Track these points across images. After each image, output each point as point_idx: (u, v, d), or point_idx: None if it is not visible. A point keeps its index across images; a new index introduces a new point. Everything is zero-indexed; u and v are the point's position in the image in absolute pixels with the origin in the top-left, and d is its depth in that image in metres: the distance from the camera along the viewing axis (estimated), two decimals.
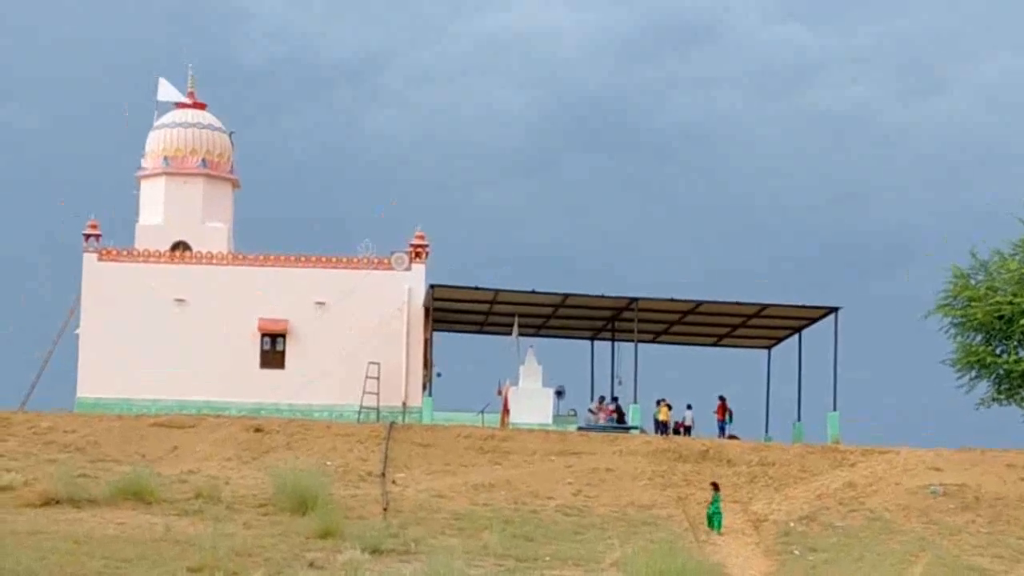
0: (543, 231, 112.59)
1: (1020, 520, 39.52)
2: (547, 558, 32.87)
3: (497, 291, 52.85)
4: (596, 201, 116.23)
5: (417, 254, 54.59)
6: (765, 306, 53.97)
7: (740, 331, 58.03)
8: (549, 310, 55.73)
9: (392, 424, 46.40)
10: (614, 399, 56.21)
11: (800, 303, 54.17)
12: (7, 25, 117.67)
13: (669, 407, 53.27)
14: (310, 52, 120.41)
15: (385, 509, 37.10)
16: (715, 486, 40.38)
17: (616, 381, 58.16)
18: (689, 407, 54.19)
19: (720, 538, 37.78)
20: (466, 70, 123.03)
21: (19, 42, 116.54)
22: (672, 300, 53.89)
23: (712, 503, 39.67)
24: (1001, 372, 51.35)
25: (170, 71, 61.08)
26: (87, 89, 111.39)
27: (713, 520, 38.99)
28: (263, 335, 53.76)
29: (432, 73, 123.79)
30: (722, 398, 54.54)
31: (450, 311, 55.34)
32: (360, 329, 53.62)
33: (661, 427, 51.78)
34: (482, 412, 53.85)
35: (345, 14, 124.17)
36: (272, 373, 53.58)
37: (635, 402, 53.21)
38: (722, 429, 53.44)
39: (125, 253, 54.62)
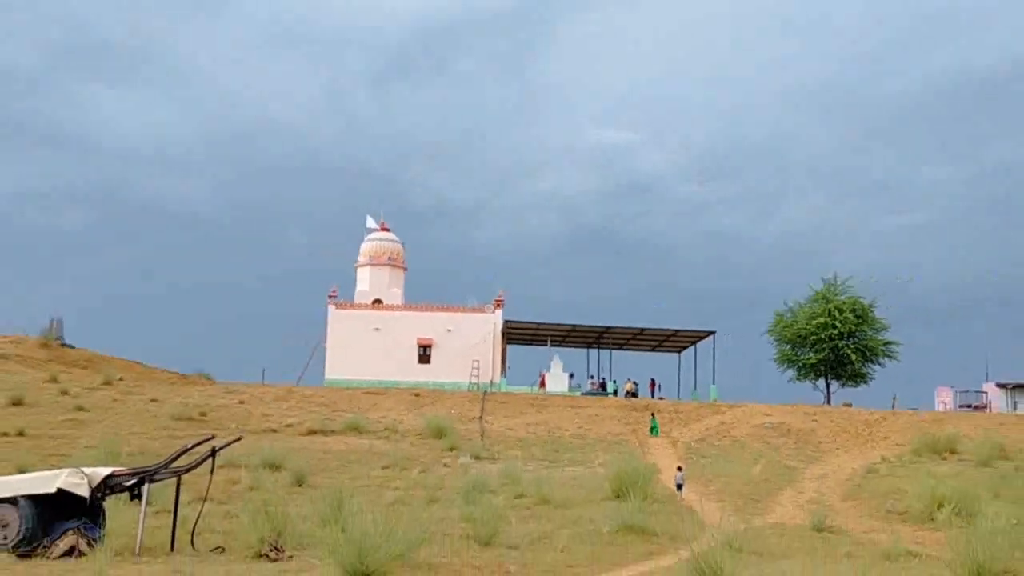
0: (564, 292, 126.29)
1: (811, 441, 41.69)
2: (565, 460, 34.12)
3: (538, 323, 58.37)
4: (589, 276, 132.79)
5: (498, 304, 60.40)
6: (677, 330, 59.48)
7: (664, 343, 62.95)
8: (565, 332, 60.63)
9: (485, 392, 49.47)
10: (602, 379, 59.64)
11: (695, 328, 59.57)
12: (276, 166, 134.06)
13: (634, 383, 56.57)
14: (444, 197, 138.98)
15: (482, 436, 39.12)
16: (652, 414, 44.34)
17: (600, 370, 63.59)
18: (636, 383, 57.06)
19: (656, 444, 39.44)
20: (523, 210, 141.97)
21: (294, 190, 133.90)
22: (629, 327, 59.24)
23: (652, 420, 43.33)
24: (800, 365, 59.72)
25: (375, 211, 68.37)
26: (328, 218, 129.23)
27: (653, 430, 42.15)
28: (419, 346, 59.49)
29: (509, 211, 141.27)
30: (652, 379, 60.05)
31: (515, 333, 60.68)
32: (469, 343, 59.27)
33: (628, 394, 54.01)
34: (532, 385, 58.47)
35: (463, 180, 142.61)
36: (424, 366, 59.25)
37: (612, 380, 59.39)
38: (653, 395, 57.75)
39: (349, 304, 60.84)
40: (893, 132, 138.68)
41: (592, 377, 60.94)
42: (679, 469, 30.24)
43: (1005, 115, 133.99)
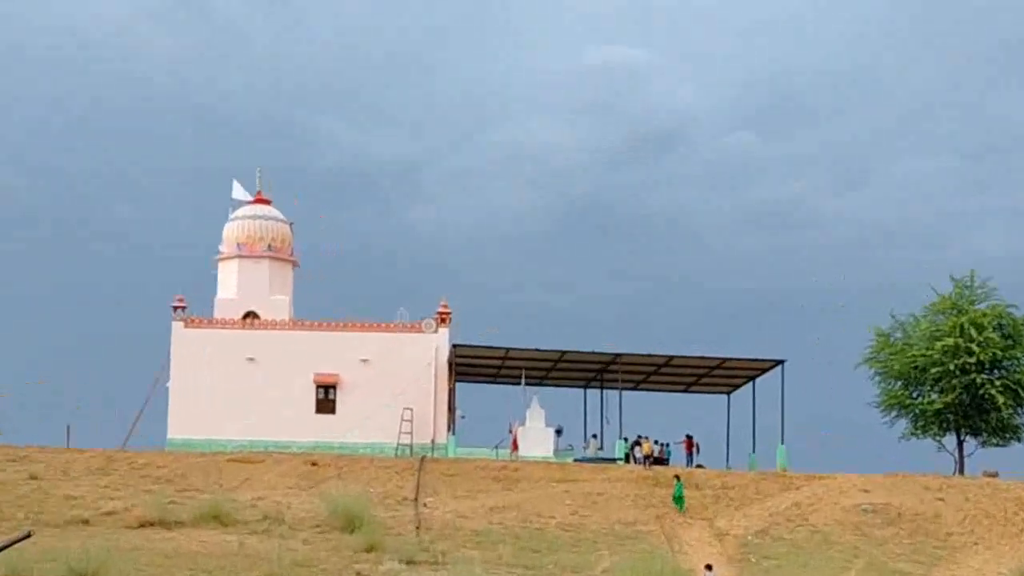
0: (544, 300, 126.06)
1: (936, 532, 45.13)
2: (550, 566, 37.06)
3: (508, 349, 60.52)
4: (585, 275, 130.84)
5: (442, 319, 62.85)
6: (725, 359, 61.67)
7: (704, 380, 65.56)
8: (550, 364, 63.12)
9: (423, 458, 52.47)
10: (662, 445, 61.91)
11: (753, 357, 61.89)
12: (109, 127, 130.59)
13: (656, 443, 59.78)
14: (360, 156, 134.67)
15: (418, 527, 42.22)
16: (677, 477, 47.69)
17: (605, 421, 65.43)
18: (663, 444, 60.95)
19: (693, 540, 43.25)
20: (486, 173, 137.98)
21: (126, 146, 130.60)
22: (649, 355, 61.47)
23: (676, 486, 46.50)
24: (917, 412, 61.11)
25: (247, 175, 69.78)
26: (177, 187, 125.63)
27: (679, 502, 45.75)
28: (318, 386, 61.99)
29: (460, 175, 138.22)
30: (688, 436, 61.46)
31: (469, 365, 62.78)
32: (397, 381, 61.35)
33: (649, 459, 56.85)
34: (496, 447, 60.92)
35: (392, 127, 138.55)
36: (325, 417, 61.69)
37: (621, 439, 60.34)
38: (689, 460, 59.90)
39: (206, 321, 63.26)
40: None
41: (595, 435, 64.57)
42: (708, 568, 32.87)
43: None
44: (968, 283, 62.97)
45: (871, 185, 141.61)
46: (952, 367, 59.90)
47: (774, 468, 57.68)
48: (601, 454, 61.42)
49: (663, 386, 68.50)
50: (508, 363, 63.58)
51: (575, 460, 58.24)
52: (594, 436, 64.85)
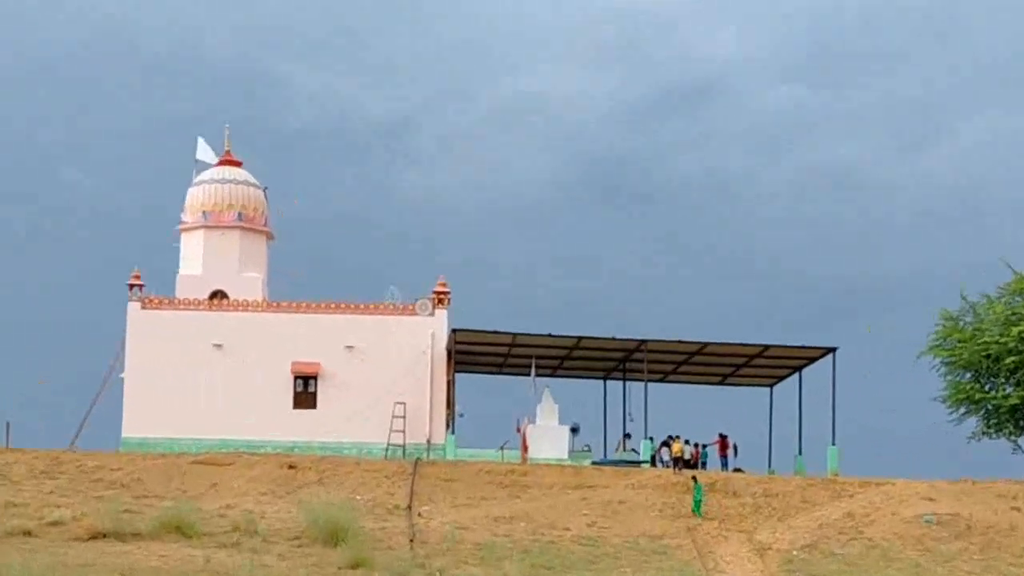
0: (558, 279, 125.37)
1: (1011, 547, 44.95)
2: None
3: (515, 335, 60.66)
4: (605, 251, 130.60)
5: (440, 300, 62.97)
6: (767, 347, 61.82)
7: (743, 370, 65.85)
8: (564, 352, 63.39)
9: (417, 460, 53.11)
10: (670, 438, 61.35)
11: (800, 344, 62.12)
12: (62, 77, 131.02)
13: (687, 443, 59.48)
14: (343, 111, 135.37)
15: (412, 540, 42.60)
16: (694, 479, 48.53)
17: (628, 418, 66.36)
18: (697, 444, 60.61)
19: (730, 556, 43.52)
20: (490, 131, 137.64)
21: (70, 100, 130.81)
22: (679, 342, 61.27)
23: (696, 489, 47.38)
24: (989, 407, 60.60)
25: (213, 132, 69.95)
26: (130, 146, 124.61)
27: (696, 506, 46.88)
28: (296, 377, 62.08)
29: (459, 134, 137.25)
30: (722, 435, 62.00)
31: (471, 354, 63.07)
32: (387, 371, 61.88)
33: (679, 462, 56.88)
34: (502, 448, 60.96)
35: (379, 79, 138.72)
36: (304, 413, 61.87)
37: (647, 438, 60.55)
38: (724, 463, 60.61)
39: (167, 302, 63.24)
40: None
41: (629, 435, 65.08)
42: None
43: None
44: None
45: (941, 146, 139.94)
46: None
47: (824, 473, 57.66)
48: (628, 456, 61.86)
49: (695, 378, 68.57)
50: (516, 351, 63.36)
51: (593, 463, 58.27)
52: (627, 436, 64.98)
